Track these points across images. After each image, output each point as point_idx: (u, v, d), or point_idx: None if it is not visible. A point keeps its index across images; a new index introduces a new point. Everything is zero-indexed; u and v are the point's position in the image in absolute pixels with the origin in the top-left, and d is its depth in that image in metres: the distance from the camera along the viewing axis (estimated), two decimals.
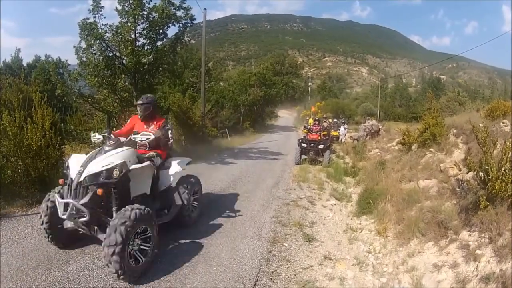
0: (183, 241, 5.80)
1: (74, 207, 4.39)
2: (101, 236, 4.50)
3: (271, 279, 4.82)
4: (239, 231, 6.48)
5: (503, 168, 5.34)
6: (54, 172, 8.07)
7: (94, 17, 12.24)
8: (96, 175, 4.52)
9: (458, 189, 6.88)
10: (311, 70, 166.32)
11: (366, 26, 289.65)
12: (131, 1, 12.48)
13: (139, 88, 12.93)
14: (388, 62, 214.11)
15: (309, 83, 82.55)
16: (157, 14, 12.79)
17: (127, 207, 4.44)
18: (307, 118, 23.59)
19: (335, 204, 9.39)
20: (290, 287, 4.69)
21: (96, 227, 4.71)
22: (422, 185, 8.47)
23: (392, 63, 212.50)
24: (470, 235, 5.38)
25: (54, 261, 4.76)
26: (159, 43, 13.68)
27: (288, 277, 4.94)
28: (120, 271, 4.20)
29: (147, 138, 5.82)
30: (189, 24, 14.03)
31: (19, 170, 7.68)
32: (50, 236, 4.97)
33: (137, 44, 12.77)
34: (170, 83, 23.91)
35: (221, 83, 37.00)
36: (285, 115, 65.63)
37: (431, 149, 10.72)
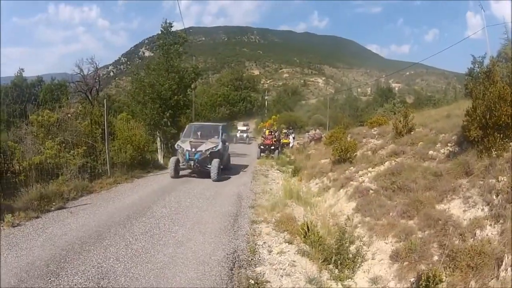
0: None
1: None
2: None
3: (254, 182, 15.41)
4: (241, 177, 17.11)
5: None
6: None
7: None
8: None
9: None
10: (268, 81, 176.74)
11: (323, 37, 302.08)
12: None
13: (166, 115, 22.78)
14: (345, 72, 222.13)
15: (266, 97, 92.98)
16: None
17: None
18: (264, 129, 34.19)
19: (279, 172, 19.95)
20: (258, 186, 14.99)
21: None
22: (322, 161, 18.97)
23: (349, 73, 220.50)
24: (333, 174, 15.64)
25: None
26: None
27: (259, 184, 15.41)
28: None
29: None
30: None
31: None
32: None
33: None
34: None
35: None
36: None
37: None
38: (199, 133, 18.18)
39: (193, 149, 15.98)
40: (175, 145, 17.21)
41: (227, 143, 18.97)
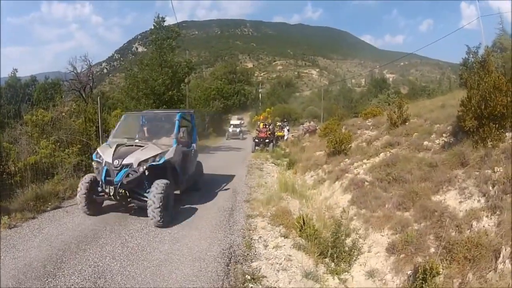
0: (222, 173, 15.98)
1: None
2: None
3: (248, 176, 15.27)
4: (236, 170, 16.87)
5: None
6: None
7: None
8: None
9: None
10: (262, 74, 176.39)
11: (317, 28, 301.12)
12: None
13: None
14: (339, 63, 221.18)
15: (260, 90, 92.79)
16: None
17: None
18: (258, 122, 34.06)
19: (274, 165, 19.87)
20: (253, 180, 14.92)
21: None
22: (316, 154, 18.94)
23: (343, 64, 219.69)
24: (328, 166, 15.60)
25: None
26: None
27: (254, 178, 15.29)
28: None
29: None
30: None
31: None
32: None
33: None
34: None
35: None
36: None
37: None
38: (145, 129, 10.70)
39: (117, 162, 8.32)
40: (93, 154, 9.31)
41: (194, 145, 11.45)
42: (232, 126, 47.37)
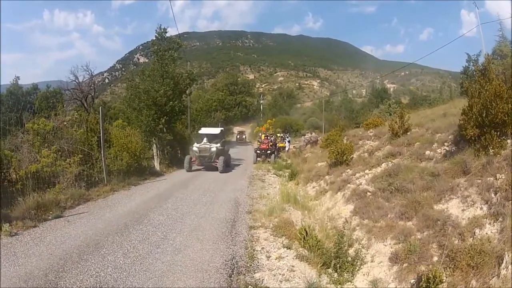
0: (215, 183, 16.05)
1: None
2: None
3: (250, 187, 15.24)
4: (238, 181, 16.92)
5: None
6: None
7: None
8: None
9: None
10: (263, 85, 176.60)
11: (317, 39, 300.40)
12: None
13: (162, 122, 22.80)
14: (339, 74, 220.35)
15: (261, 101, 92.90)
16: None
17: None
18: (260, 134, 34.19)
19: (276, 176, 19.91)
20: (255, 191, 14.95)
21: None
22: (318, 164, 18.97)
23: (344, 75, 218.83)
24: (330, 177, 15.65)
25: None
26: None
27: (256, 189, 15.30)
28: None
29: None
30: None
31: None
32: None
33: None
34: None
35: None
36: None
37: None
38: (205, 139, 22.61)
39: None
40: None
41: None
42: (205, 139, 22.65)
